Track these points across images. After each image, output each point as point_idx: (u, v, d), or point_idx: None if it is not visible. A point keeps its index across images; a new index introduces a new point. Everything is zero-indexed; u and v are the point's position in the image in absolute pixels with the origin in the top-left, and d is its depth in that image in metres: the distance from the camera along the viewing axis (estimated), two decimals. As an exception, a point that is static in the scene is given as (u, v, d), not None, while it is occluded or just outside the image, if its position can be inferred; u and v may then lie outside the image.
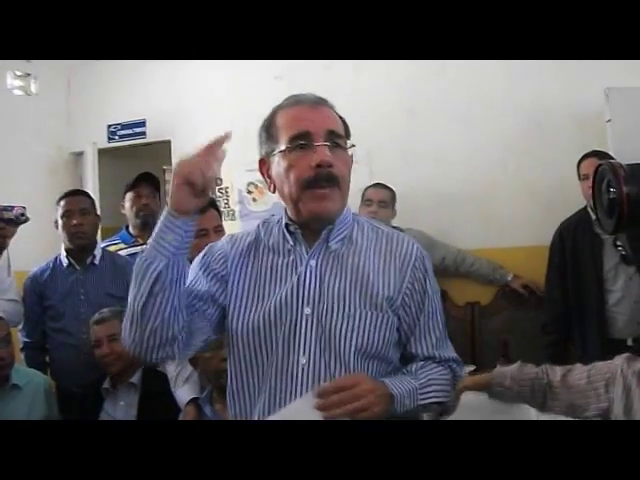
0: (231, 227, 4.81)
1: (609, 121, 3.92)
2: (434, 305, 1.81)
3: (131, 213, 4.17)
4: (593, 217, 3.76)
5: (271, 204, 5.05)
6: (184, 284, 1.67)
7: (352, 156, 1.80)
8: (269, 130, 1.78)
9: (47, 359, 3.66)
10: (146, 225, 4.14)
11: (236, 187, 5.37)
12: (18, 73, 4.95)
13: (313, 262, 1.74)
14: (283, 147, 1.71)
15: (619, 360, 2.47)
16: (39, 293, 3.56)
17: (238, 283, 1.78)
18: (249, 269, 1.79)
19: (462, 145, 4.64)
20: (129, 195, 4.18)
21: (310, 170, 1.67)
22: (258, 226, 1.87)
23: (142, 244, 4.10)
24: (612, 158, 3.68)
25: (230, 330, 1.77)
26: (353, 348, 1.69)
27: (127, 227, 4.23)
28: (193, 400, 2.93)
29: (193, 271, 1.81)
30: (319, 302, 1.71)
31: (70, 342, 3.46)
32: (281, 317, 1.72)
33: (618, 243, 3.67)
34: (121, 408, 3.12)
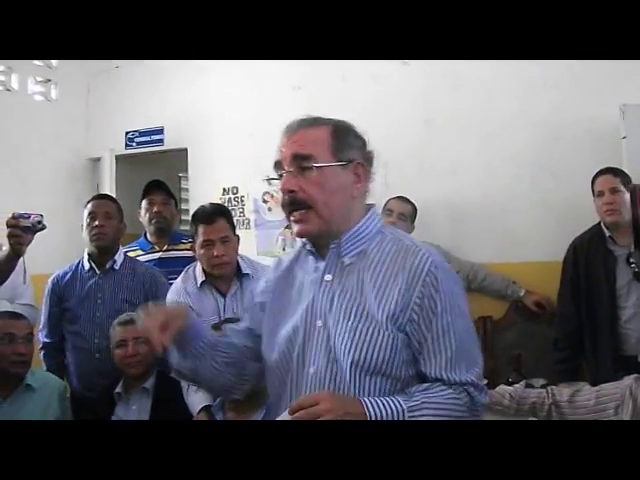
0: (246, 236, 4.84)
1: (624, 138, 3.92)
2: (444, 324, 1.72)
3: (145, 220, 4.24)
4: (607, 234, 3.76)
5: (286, 214, 5.02)
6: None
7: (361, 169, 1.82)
8: None
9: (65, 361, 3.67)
10: (160, 232, 4.18)
11: (252, 196, 5.39)
12: (39, 79, 5.01)
13: (329, 276, 1.79)
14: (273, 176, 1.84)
15: (628, 380, 2.47)
16: (59, 295, 3.59)
17: (270, 309, 1.90)
18: (282, 292, 1.89)
19: (477, 159, 4.64)
20: (143, 203, 4.26)
21: (283, 197, 1.78)
22: (302, 245, 1.94)
23: (159, 251, 4.14)
24: (626, 175, 3.70)
25: (263, 352, 1.89)
26: (349, 362, 1.70)
27: (146, 234, 4.28)
28: (205, 408, 2.94)
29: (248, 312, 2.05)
30: (328, 315, 1.75)
31: (84, 346, 3.49)
32: (299, 330, 1.79)
33: (631, 260, 3.66)
34: (133, 413, 3.13)
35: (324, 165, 1.75)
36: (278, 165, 1.79)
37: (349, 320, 1.72)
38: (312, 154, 1.75)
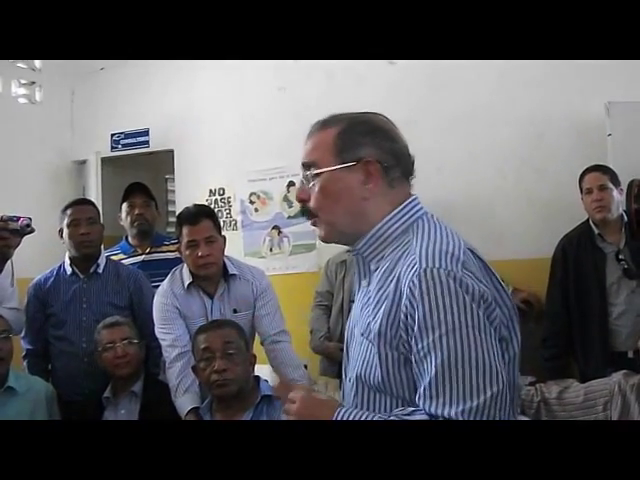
0: (233, 237, 4.83)
1: (610, 135, 3.94)
2: (425, 345, 1.44)
3: (127, 223, 4.19)
4: (596, 231, 3.78)
5: (273, 214, 5.08)
6: None
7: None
8: None
9: (49, 367, 3.65)
10: (143, 234, 4.15)
11: (238, 197, 5.38)
12: (23, 81, 4.97)
13: (364, 282, 1.69)
14: None
15: (617, 377, 2.49)
16: (42, 300, 3.56)
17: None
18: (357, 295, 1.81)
19: (462, 156, 4.65)
20: (124, 206, 4.21)
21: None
22: None
23: (141, 254, 4.11)
24: (614, 172, 3.72)
25: None
26: (355, 373, 1.62)
27: (127, 237, 4.24)
28: (193, 410, 2.94)
29: None
30: (358, 323, 1.67)
31: (71, 350, 3.46)
32: (347, 336, 1.76)
33: (621, 257, 3.68)
34: (122, 417, 3.11)
35: (324, 170, 1.64)
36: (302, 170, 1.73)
37: (361, 332, 1.61)
38: (315, 160, 1.67)
